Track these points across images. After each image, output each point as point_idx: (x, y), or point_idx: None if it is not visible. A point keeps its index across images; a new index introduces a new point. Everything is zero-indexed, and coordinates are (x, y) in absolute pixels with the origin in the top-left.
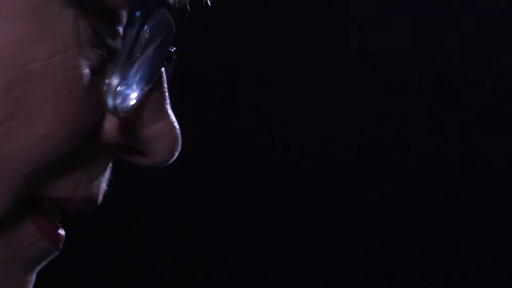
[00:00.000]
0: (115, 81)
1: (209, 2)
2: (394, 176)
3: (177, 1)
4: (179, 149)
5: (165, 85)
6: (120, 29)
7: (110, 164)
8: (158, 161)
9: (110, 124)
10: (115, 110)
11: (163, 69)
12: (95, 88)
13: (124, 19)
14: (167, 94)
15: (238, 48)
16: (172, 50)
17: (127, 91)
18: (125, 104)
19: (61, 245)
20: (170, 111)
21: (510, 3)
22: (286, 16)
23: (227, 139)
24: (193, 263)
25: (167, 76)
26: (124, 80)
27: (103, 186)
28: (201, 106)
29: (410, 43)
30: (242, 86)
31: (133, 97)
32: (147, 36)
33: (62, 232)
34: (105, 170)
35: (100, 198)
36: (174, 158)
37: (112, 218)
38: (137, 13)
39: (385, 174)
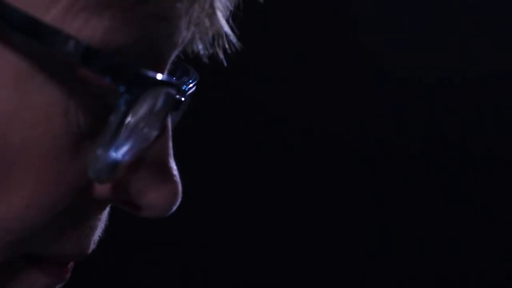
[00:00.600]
0: (99, 152)
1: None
2: (394, 175)
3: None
4: (177, 203)
5: (169, 135)
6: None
7: (106, 214)
8: (154, 215)
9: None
10: (99, 179)
11: (169, 122)
12: (83, 151)
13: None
14: (170, 144)
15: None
16: (180, 99)
17: (116, 156)
18: (114, 175)
19: (67, 277)
20: (171, 164)
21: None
22: (287, 15)
23: (226, 139)
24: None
25: (174, 121)
26: (110, 151)
27: (96, 237)
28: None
29: (409, 42)
30: (243, 86)
31: (121, 166)
32: (143, 104)
33: (70, 266)
34: (98, 224)
35: (91, 248)
36: (172, 211)
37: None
38: (121, 100)
39: (385, 173)
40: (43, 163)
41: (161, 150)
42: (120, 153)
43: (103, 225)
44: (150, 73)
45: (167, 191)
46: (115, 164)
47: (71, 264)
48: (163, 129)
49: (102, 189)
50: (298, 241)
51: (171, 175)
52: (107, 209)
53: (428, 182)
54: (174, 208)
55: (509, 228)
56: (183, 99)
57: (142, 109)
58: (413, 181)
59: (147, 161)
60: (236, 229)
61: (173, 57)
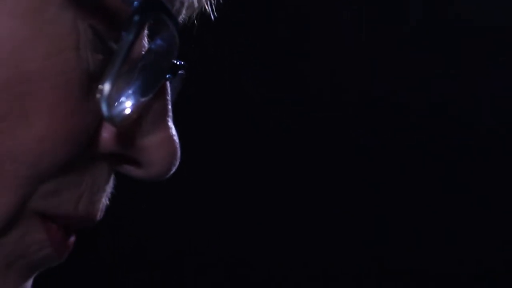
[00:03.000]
0: (107, 87)
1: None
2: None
3: (181, 12)
4: (176, 163)
5: (168, 98)
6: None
7: (112, 179)
8: (153, 174)
9: (107, 132)
10: (110, 118)
11: (167, 81)
12: (93, 93)
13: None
14: (169, 106)
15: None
16: (179, 63)
17: (122, 99)
18: (120, 112)
19: (65, 255)
20: (170, 124)
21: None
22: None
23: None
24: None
25: (174, 90)
26: (118, 87)
27: (104, 201)
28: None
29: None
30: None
31: (128, 106)
32: (146, 44)
33: (71, 240)
34: (106, 184)
35: (101, 213)
36: (171, 172)
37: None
38: (135, 18)
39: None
40: (56, 96)
41: (161, 111)
42: (127, 89)
43: (108, 192)
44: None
45: (167, 150)
46: (122, 101)
47: (71, 243)
48: (162, 90)
49: (108, 140)
50: (296, 236)
51: (171, 135)
52: (112, 176)
53: (425, 175)
54: (173, 169)
55: (507, 220)
56: (182, 63)
57: (154, 39)
58: (409, 173)
59: (148, 120)
60: (231, 219)
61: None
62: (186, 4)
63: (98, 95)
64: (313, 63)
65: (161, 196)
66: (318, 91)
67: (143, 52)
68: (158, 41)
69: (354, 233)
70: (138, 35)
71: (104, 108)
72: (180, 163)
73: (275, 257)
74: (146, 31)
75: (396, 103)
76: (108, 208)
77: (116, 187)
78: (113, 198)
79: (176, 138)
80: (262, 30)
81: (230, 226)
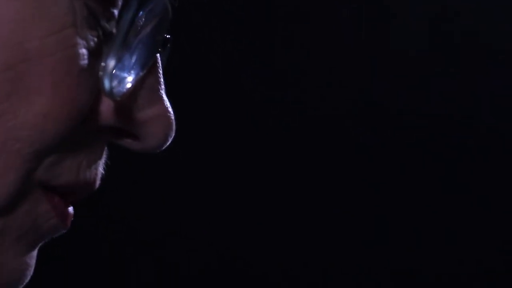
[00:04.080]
0: (111, 63)
1: None
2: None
3: None
4: (172, 134)
5: (160, 71)
6: (116, 12)
7: (105, 149)
8: (150, 146)
9: (105, 106)
10: (111, 93)
11: (158, 54)
12: (92, 69)
13: (120, 2)
14: (162, 79)
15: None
16: (167, 37)
17: (122, 75)
18: (121, 88)
19: (69, 223)
20: (164, 96)
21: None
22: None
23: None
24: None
25: (161, 64)
26: (119, 63)
27: (100, 170)
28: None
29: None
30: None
31: (129, 81)
32: (143, 20)
33: (71, 209)
34: (102, 153)
35: (98, 182)
36: (167, 143)
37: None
38: None
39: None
40: (56, 73)
41: (154, 84)
42: (127, 64)
43: (103, 162)
44: None
45: (163, 122)
46: (123, 77)
47: (71, 210)
48: (154, 64)
49: (106, 113)
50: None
51: (166, 107)
52: (105, 148)
53: (425, 174)
54: (169, 140)
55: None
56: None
57: (148, 13)
58: (409, 173)
59: (143, 93)
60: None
61: None
62: None
63: (100, 73)
64: (313, 62)
65: (161, 192)
66: (318, 90)
67: (139, 28)
68: (153, 16)
69: (354, 233)
70: (136, 13)
71: (106, 83)
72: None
73: (274, 256)
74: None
75: (396, 102)
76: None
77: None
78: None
79: (170, 110)
80: (262, 28)
81: (229, 225)
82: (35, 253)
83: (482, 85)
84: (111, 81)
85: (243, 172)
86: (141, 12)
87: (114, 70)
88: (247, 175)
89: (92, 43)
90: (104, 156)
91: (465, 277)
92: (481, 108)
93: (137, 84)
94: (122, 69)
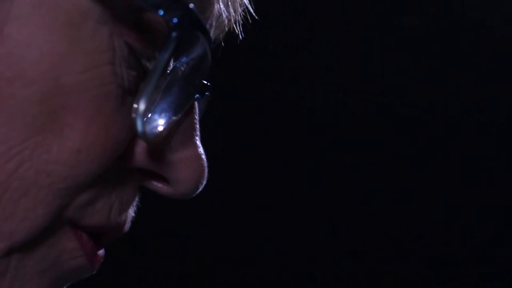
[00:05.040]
0: (142, 105)
1: (240, 37)
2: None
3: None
4: (203, 181)
5: (197, 116)
6: (157, 53)
7: (136, 194)
8: (181, 191)
9: (139, 147)
10: (144, 135)
11: (195, 100)
12: (128, 108)
13: (162, 43)
14: (197, 125)
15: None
16: (207, 84)
17: (155, 117)
18: (154, 130)
19: (97, 265)
20: (198, 142)
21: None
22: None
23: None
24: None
25: (200, 111)
26: (152, 105)
27: (131, 212)
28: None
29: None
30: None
31: (160, 124)
32: (181, 63)
33: (101, 252)
34: (133, 196)
35: (128, 225)
36: (198, 190)
37: None
38: (173, 34)
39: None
40: (91, 110)
41: (189, 129)
42: (161, 107)
43: (134, 204)
44: (200, 15)
45: (195, 168)
46: (155, 119)
47: (102, 254)
48: (191, 109)
49: (139, 155)
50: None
51: (199, 153)
52: (138, 190)
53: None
54: (200, 187)
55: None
56: (207, 84)
57: (188, 57)
58: (408, 172)
59: (177, 138)
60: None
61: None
62: (214, 24)
63: (133, 114)
64: (313, 61)
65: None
66: (318, 89)
67: (178, 71)
68: (191, 59)
69: (354, 232)
70: (173, 54)
71: (139, 125)
72: None
73: (273, 255)
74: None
75: (396, 101)
76: None
77: None
78: None
79: (204, 156)
80: (263, 28)
81: (230, 225)
82: None
83: (482, 84)
84: (143, 123)
85: (243, 172)
86: (181, 57)
87: (147, 112)
88: (246, 175)
89: (129, 82)
90: (136, 199)
91: (466, 276)
92: (481, 107)
93: (172, 127)
94: (155, 111)
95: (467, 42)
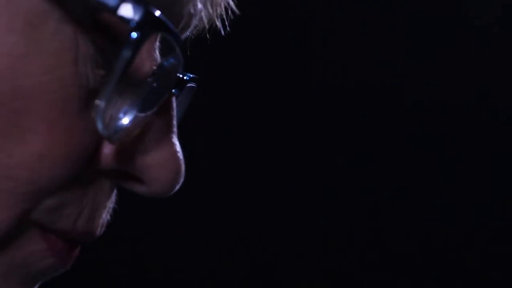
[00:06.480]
0: (102, 103)
1: (223, 32)
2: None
3: (187, 29)
4: (180, 180)
5: (173, 113)
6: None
7: (114, 194)
8: (156, 191)
9: (108, 149)
10: (105, 133)
11: (172, 97)
12: (92, 110)
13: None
14: (174, 122)
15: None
16: (187, 77)
17: (119, 115)
18: (117, 129)
19: (69, 263)
20: (175, 141)
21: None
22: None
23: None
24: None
25: (183, 104)
26: (115, 103)
27: (105, 217)
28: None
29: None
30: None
31: (124, 122)
32: (149, 60)
33: (75, 250)
34: (107, 200)
35: (100, 230)
36: (174, 190)
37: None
38: (132, 36)
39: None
40: (54, 112)
41: (164, 127)
42: (124, 105)
43: (110, 207)
44: (162, 17)
45: (170, 168)
46: (119, 117)
47: (76, 252)
48: (167, 106)
49: (108, 157)
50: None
51: (175, 152)
52: (114, 192)
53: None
54: (177, 186)
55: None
56: (186, 78)
57: (149, 57)
58: (408, 172)
59: (151, 136)
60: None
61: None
62: (193, 22)
63: (93, 112)
64: (313, 60)
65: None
66: (318, 89)
67: (144, 68)
68: (161, 57)
69: (353, 232)
70: (136, 53)
71: (99, 125)
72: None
73: (271, 254)
74: (158, 45)
75: (397, 101)
76: None
77: None
78: None
79: (180, 155)
80: (263, 28)
81: (229, 225)
82: None
83: (481, 84)
84: (103, 121)
85: (243, 172)
86: (156, 50)
87: (110, 110)
88: (246, 175)
89: (95, 82)
90: (112, 200)
91: (466, 276)
92: (481, 107)
93: (145, 126)
94: (121, 110)
95: (463, 40)
